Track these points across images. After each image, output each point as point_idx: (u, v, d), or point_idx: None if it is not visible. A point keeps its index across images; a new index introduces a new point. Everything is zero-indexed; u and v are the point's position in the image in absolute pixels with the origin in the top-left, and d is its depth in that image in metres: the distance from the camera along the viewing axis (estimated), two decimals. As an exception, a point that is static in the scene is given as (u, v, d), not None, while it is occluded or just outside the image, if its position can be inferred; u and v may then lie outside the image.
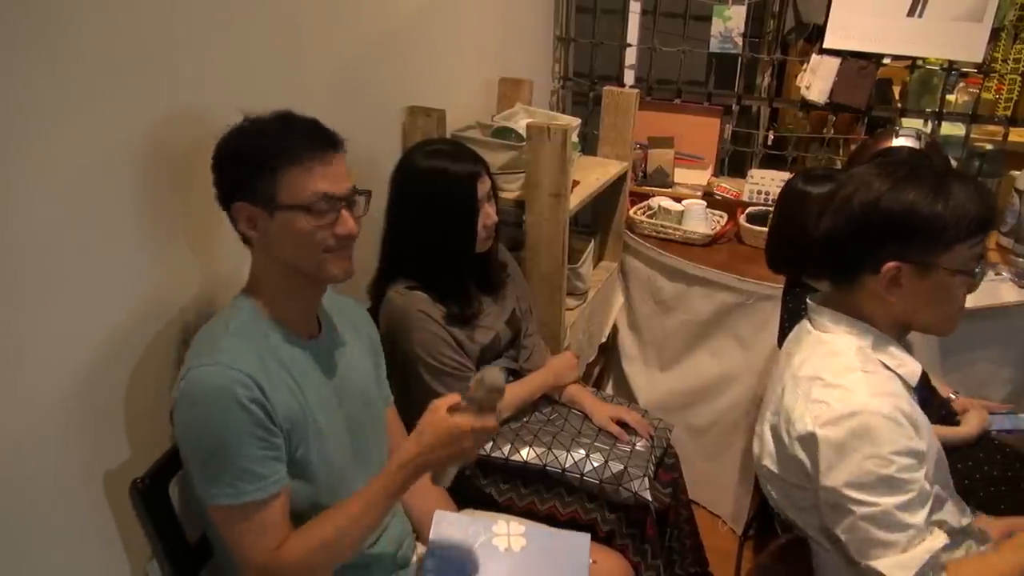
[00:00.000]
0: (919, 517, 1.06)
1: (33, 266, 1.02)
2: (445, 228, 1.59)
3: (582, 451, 1.61)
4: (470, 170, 1.58)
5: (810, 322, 1.24)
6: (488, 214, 1.62)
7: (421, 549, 1.42)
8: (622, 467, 1.58)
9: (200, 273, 1.33)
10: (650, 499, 1.55)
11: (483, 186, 1.60)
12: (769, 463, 1.23)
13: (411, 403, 1.61)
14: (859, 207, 1.11)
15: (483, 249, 1.66)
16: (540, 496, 1.62)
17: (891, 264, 1.10)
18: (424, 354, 1.56)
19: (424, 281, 1.60)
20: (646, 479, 1.57)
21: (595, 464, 1.59)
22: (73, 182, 1.06)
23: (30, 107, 0.98)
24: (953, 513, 1.23)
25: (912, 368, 1.17)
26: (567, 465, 1.59)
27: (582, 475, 1.58)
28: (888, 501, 1.05)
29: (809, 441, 1.11)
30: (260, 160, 1.08)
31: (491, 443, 1.63)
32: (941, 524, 1.15)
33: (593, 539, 1.46)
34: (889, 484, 1.05)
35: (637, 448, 1.66)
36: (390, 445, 1.41)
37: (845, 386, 1.11)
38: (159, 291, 1.25)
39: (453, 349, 1.59)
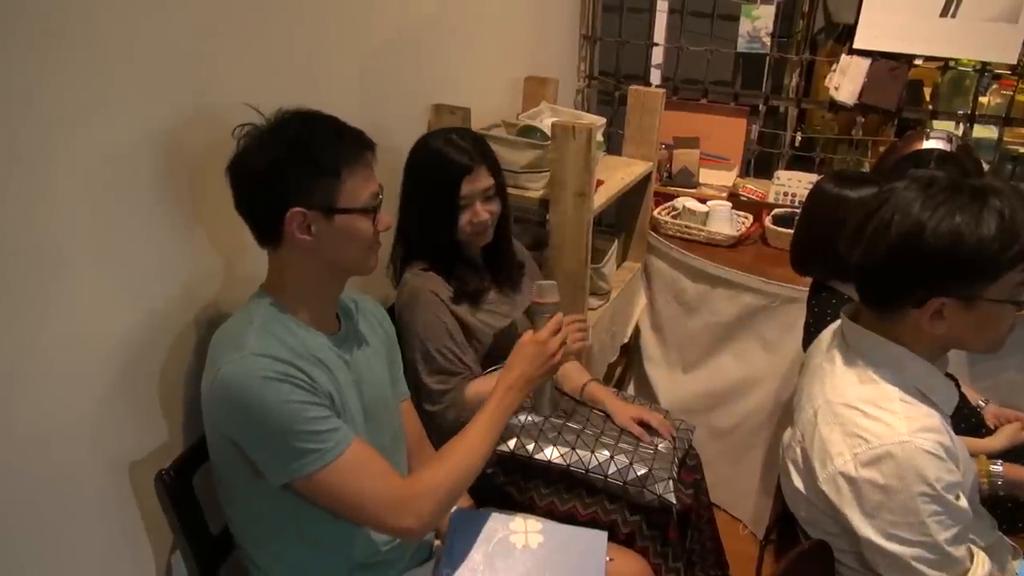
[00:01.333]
0: (964, 549, 1.07)
1: (62, 263, 1.04)
2: (426, 212, 1.59)
3: (606, 452, 1.60)
4: (462, 163, 1.55)
5: (844, 339, 1.21)
6: (477, 212, 1.58)
7: (439, 545, 1.43)
8: (647, 469, 1.56)
9: (225, 270, 1.34)
10: (674, 501, 1.54)
11: (475, 184, 1.56)
12: (799, 484, 1.21)
13: (412, 387, 1.61)
14: (898, 238, 1.04)
15: (479, 244, 1.65)
16: (560, 496, 1.61)
17: (934, 300, 1.05)
18: (423, 338, 1.56)
19: (430, 261, 1.60)
20: (670, 481, 1.56)
21: (619, 466, 1.58)
22: (107, 181, 1.08)
23: (55, 108, 1.00)
24: (981, 531, 1.21)
25: (949, 397, 1.15)
26: (591, 466, 1.58)
27: (606, 476, 1.57)
28: (939, 537, 1.04)
29: (849, 482, 1.09)
30: (328, 167, 1.10)
31: (515, 439, 1.62)
32: (973, 544, 1.14)
33: (614, 540, 1.46)
34: (937, 520, 1.04)
35: (660, 449, 1.65)
36: (407, 441, 1.42)
37: (884, 420, 1.08)
38: (186, 289, 1.26)
39: (455, 341, 1.59)
